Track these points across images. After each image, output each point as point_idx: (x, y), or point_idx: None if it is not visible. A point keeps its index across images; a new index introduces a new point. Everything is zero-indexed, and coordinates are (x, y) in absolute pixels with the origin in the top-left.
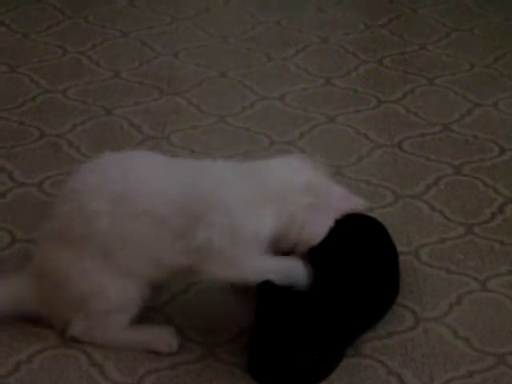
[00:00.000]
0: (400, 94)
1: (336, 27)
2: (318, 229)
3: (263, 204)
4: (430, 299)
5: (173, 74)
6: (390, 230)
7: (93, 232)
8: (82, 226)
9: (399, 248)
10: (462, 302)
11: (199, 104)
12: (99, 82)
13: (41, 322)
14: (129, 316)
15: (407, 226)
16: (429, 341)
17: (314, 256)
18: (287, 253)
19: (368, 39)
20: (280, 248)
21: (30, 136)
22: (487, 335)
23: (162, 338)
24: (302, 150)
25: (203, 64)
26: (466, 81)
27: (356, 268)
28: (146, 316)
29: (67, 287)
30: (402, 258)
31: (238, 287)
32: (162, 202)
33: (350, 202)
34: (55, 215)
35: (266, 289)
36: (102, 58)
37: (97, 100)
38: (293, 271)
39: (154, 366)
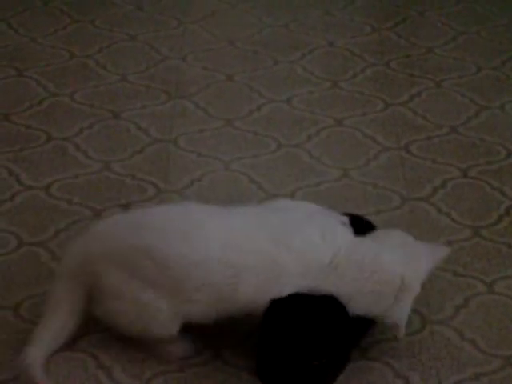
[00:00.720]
0: (407, 97)
1: (343, 30)
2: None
3: None
4: (436, 302)
5: (180, 77)
6: None
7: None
8: (158, 267)
9: None
10: (469, 304)
11: (206, 107)
12: (106, 86)
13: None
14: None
15: (414, 229)
16: (436, 343)
17: None
18: None
19: (375, 42)
20: None
21: (37, 139)
22: (494, 338)
23: (179, 342)
24: (309, 153)
25: (210, 67)
26: (473, 83)
27: None
28: None
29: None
30: None
31: None
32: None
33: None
34: (127, 245)
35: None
36: (109, 62)
37: (104, 103)
38: None
39: (161, 368)
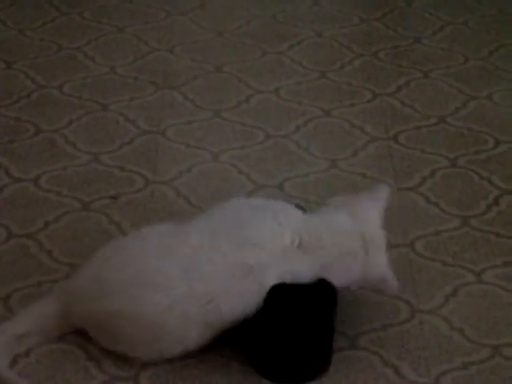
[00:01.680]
0: (395, 88)
1: (331, 21)
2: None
3: None
4: (425, 291)
5: (168, 68)
6: (385, 223)
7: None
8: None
9: (395, 240)
10: (458, 293)
11: (195, 99)
12: (95, 78)
13: None
14: None
15: (403, 219)
16: (424, 333)
17: None
18: None
19: (363, 33)
20: None
21: (25, 132)
22: (482, 327)
23: None
24: (297, 144)
25: (198, 59)
26: (461, 74)
27: None
28: None
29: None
30: (397, 251)
31: None
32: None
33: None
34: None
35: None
36: (97, 54)
37: (92, 95)
38: None
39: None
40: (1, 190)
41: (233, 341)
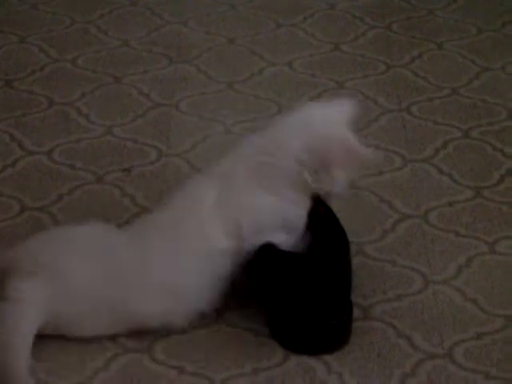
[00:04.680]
0: (408, 59)
1: None
2: (329, 183)
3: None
4: (438, 262)
5: (181, 41)
6: (398, 194)
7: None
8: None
9: (408, 211)
10: (471, 264)
11: (208, 71)
12: (108, 51)
13: None
14: None
15: (416, 190)
16: (438, 303)
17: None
18: None
19: (376, 5)
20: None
21: (39, 105)
22: (496, 297)
23: None
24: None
25: (212, 31)
26: (474, 45)
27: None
28: None
29: None
30: (410, 222)
31: None
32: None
33: (356, 157)
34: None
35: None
36: (110, 27)
37: (106, 68)
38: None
39: (163, 332)
40: (14, 163)
41: (246, 312)
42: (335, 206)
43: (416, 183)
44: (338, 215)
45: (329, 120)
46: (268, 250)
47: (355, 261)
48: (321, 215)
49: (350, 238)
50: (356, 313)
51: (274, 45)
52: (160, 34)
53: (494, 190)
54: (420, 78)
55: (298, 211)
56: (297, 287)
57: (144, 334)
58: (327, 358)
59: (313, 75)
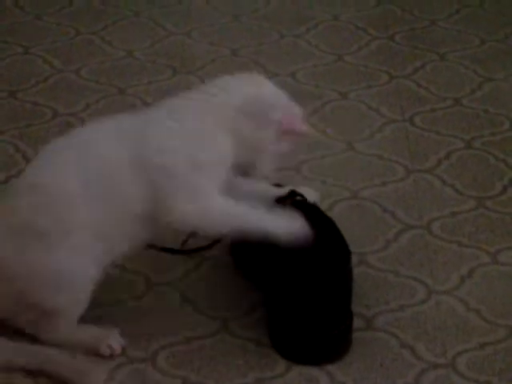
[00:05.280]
0: (411, 70)
1: (347, 4)
2: (264, 141)
3: (214, 122)
4: (441, 272)
5: (185, 52)
6: (401, 204)
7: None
8: (48, 218)
9: (411, 222)
10: (474, 274)
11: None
12: (112, 62)
13: None
14: (81, 311)
15: (419, 201)
16: (441, 313)
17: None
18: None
19: (379, 16)
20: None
21: (43, 116)
22: (498, 307)
23: (104, 340)
24: (314, 127)
25: (215, 42)
26: (477, 56)
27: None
28: (160, 291)
29: (26, 283)
30: (413, 232)
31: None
32: (114, 161)
33: (296, 123)
34: (14, 208)
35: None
36: (114, 38)
37: (110, 79)
38: (270, 225)
39: (167, 340)
40: (18, 173)
41: (249, 322)
42: (337, 216)
43: (419, 194)
44: (341, 226)
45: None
46: (270, 260)
47: (358, 271)
48: (321, 225)
49: (353, 248)
50: (359, 323)
51: (278, 55)
52: (164, 45)
53: (496, 201)
54: (423, 88)
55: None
56: (296, 296)
57: (148, 344)
58: (330, 368)
59: (316, 86)
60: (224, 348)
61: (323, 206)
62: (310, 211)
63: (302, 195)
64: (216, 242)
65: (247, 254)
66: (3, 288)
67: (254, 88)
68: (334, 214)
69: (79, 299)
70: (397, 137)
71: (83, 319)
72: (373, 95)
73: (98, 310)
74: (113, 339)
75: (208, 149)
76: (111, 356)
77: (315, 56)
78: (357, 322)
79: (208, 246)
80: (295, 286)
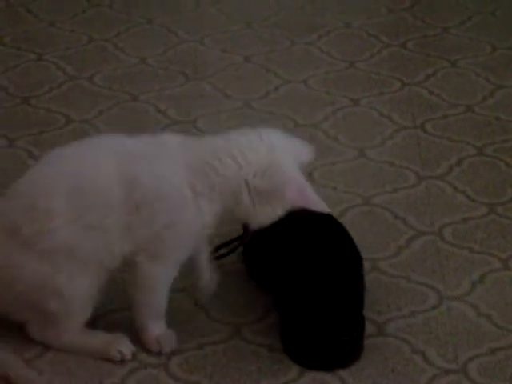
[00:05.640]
0: (423, 77)
1: (359, 12)
2: (265, 214)
3: (202, 186)
4: (452, 278)
5: (198, 59)
6: (413, 211)
7: (46, 230)
8: (35, 224)
9: (423, 228)
10: (485, 280)
11: (224, 89)
12: (125, 69)
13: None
14: (82, 318)
15: (430, 207)
16: (452, 319)
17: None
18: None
19: (391, 23)
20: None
21: (56, 122)
22: (509, 313)
23: (114, 346)
24: (326, 133)
25: (228, 49)
26: (488, 63)
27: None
28: (174, 298)
29: (20, 288)
30: (425, 238)
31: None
32: (107, 189)
33: (307, 200)
34: (3, 213)
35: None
36: (127, 45)
37: (123, 86)
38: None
39: (180, 346)
40: None
41: (262, 327)
42: (349, 222)
43: (430, 200)
44: (353, 232)
45: (290, 154)
46: (282, 266)
47: (370, 277)
48: (332, 231)
49: (365, 254)
50: (370, 329)
51: (289, 62)
52: (176, 52)
53: (507, 207)
54: (434, 95)
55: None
56: (309, 302)
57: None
58: (342, 373)
59: (328, 93)
60: (237, 354)
61: (335, 213)
62: (321, 217)
63: None
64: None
65: (260, 261)
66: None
67: (267, 160)
68: (345, 221)
69: (73, 309)
70: (408, 143)
71: (96, 325)
72: (384, 102)
73: (112, 316)
74: (123, 345)
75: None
76: (122, 361)
77: (327, 63)
78: (369, 328)
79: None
80: (307, 292)
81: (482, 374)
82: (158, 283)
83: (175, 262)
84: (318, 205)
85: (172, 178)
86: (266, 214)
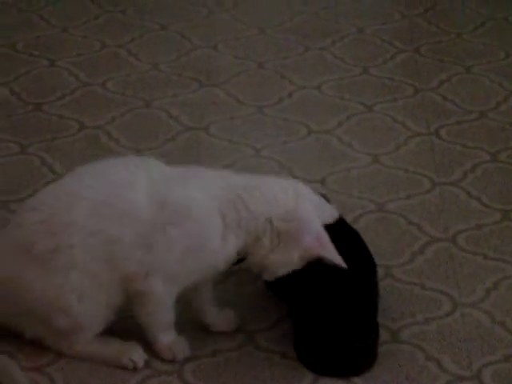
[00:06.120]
0: (436, 83)
1: (372, 17)
2: (281, 260)
3: (231, 221)
4: (466, 285)
5: (211, 65)
6: (427, 217)
7: (63, 244)
8: (52, 238)
9: (437, 234)
10: (499, 287)
11: (237, 95)
12: (138, 75)
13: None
14: (92, 333)
15: (444, 213)
16: (466, 326)
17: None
18: None
19: (404, 29)
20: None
21: (69, 128)
22: None
23: (127, 354)
24: (340, 139)
25: (241, 55)
26: (502, 69)
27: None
28: (187, 306)
29: (30, 302)
30: (439, 245)
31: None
32: (136, 203)
33: (325, 250)
34: (20, 225)
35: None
36: (140, 51)
37: (136, 92)
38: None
39: (194, 353)
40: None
41: (275, 334)
42: (363, 229)
43: (444, 206)
44: (367, 239)
45: (314, 207)
46: (296, 273)
47: (384, 284)
48: (346, 238)
49: (379, 260)
50: (385, 336)
51: (303, 68)
52: (190, 58)
53: None
54: (448, 101)
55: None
56: (322, 309)
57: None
58: (356, 380)
59: (342, 98)
60: (250, 361)
61: (349, 219)
62: (335, 224)
63: (324, 196)
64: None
65: None
66: (16, 303)
67: (293, 204)
68: (359, 227)
69: (82, 326)
70: (422, 150)
71: (111, 331)
72: (398, 108)
73: (127, 322)
74: (135, 353)
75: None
76: (134, 369)
77: (340, 69)
78: (383, 335)
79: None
80: (321, 299)
81: (495, 380)
82: (164, 300)
83: (184, 284)
84: (335, 256)
85: (205, 202)
86: (281, 260)
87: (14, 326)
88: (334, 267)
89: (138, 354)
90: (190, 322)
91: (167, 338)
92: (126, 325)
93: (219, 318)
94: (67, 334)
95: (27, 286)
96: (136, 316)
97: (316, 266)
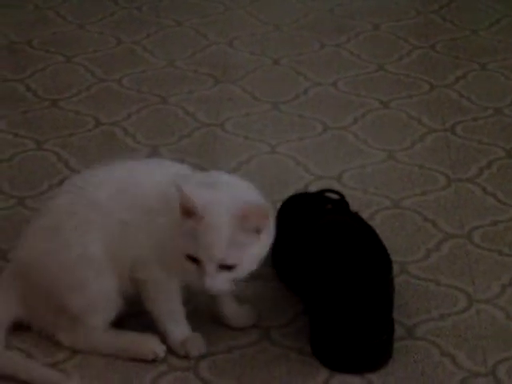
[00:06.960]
0: (452, 79)
1: (388, 14)
2: None
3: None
4: (482, 281)
5: (227, 61)
6: (442, 214)
7: (82, 220)
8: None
9: (452, 231)
10: None
11: (253, 91)
12: (154, 71)
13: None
14: (104, 319)
15: (460, 210)
16: (481, 322)
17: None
18: None
19: (420, 25)
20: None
21: (85, 125)
22: None
23: (147, 346)
24: (355, 136)
25: (256, 52)
26: None
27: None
28: (202, 300)
29: (46, 282)
30: (454, 241)
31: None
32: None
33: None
34: (49, 211)
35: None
36: (156, 48)
37: (152, 88)
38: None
39: (210, 349)
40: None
41: (291, 330)
42: (379, 225)
43: (460, 203)
44: (382, 235)
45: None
46: (312, 269)
47: (399, 280)
48: (362, 234)
49: (394, 257)
50: (400, 332)
51: (319, 65)
52: (205, 55)
53: None
54: (464, 98)
55: None
56: (338, 306)
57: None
58: (371, 376)
59: (357, 95)
60: (265, 357)
61: (364, 216)
62: (351, 220)
63: (338, 192)
64: None
65: (289, 265)
66: (33, 289)
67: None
68: (375, 224)
69: (96, 306)
70: (438, 146)
71: (124, 327)
72: (414, 104)
73: (142, 319)
74: (155, 344)
75: None
76: (153, 361)
77: (356, 65)
78: (398, 331)
79: None
80: (337, 295)
81: (511, 376)
82: (164, 286)
83: (176, 272)
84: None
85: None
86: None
87: (28, 319)
88: (351, 263)
89: (158, 345)
90: (205, 317)
91: (179, 333)
92: (139, 320)
93: (238, 314)
94: (82, 319)
95: (45, 262)
96: (144, 306)
97: (332, 262)
